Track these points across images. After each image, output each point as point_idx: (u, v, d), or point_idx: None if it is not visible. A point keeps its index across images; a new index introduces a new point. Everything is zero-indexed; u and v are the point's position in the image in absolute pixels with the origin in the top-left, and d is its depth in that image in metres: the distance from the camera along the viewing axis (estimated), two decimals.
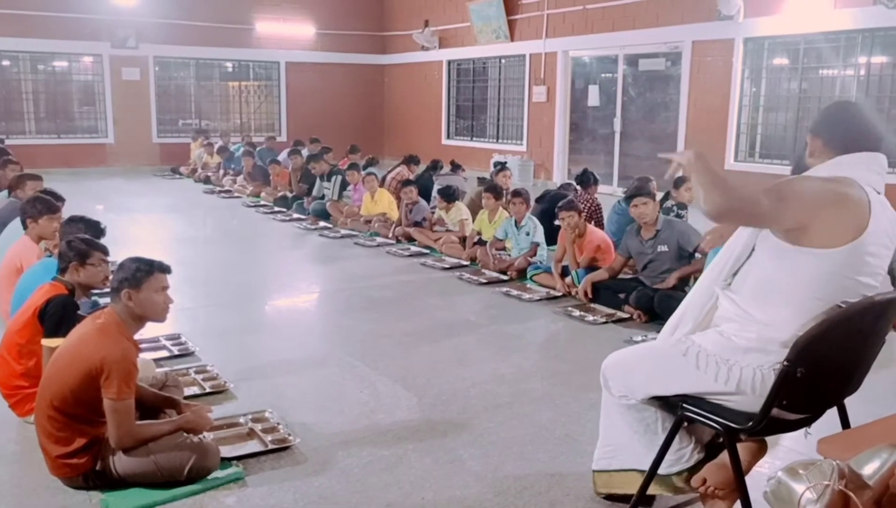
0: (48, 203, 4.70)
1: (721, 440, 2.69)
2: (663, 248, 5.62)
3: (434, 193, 9.35)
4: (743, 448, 2.51)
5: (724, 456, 2.60)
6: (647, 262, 5.74)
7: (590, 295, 5.93)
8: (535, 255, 6.98)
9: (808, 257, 2.27)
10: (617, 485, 2.86)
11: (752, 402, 2.35)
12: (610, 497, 2.93)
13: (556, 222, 7.48)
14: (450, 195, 8.43)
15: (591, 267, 6.23)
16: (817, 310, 2.30)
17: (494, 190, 7.71)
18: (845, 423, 2.57)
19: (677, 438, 2.61)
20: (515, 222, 7.16)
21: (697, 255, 5.47)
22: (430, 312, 5.94)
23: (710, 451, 2.71)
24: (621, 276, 6.07)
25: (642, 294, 5.55)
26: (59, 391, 2.93)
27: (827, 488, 1.64)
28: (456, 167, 10.95)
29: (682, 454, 2.66)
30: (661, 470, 2.65)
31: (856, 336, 2.36)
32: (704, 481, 2.57)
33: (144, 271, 3.06)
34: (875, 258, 2.31)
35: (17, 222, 4.92)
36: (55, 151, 15.41)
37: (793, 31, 10.18)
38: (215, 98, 17.56)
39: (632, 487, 2.78)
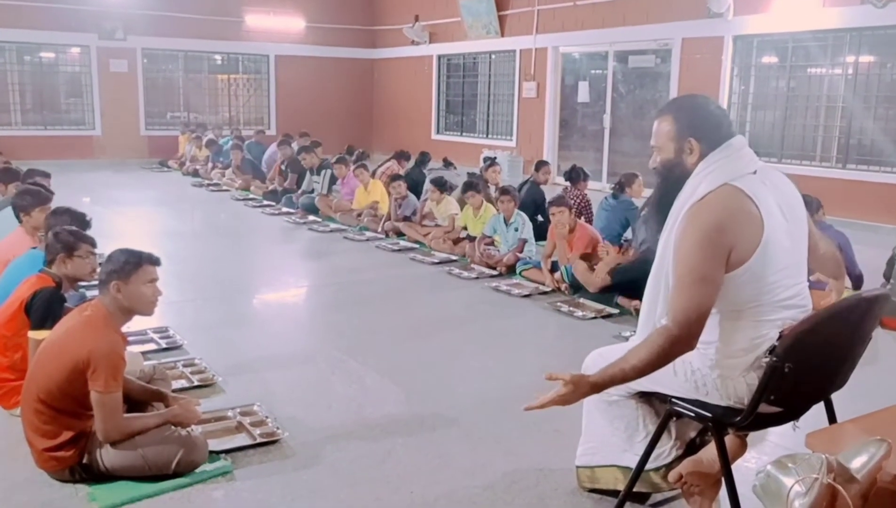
0: (38, 194, 4.66)
1: (701, 438, 2.71)
2: None
3: (427, 184, 9.34)
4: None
5: (701, 453, 2.62)
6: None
7: (562, 281, 6.03)
8: (521, 251, 7.00)
9: (734, 276, 2.27)
10: (600, 481, 2.88)
11: (733, 405, 2.37)
12: (595, 491, 2.95)
13: (539, 218, 7.53)
14: (442, 184, 8.45)
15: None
16: (763, 314, 2.31)
17: (473, 186, 7.78)
18: (832, 418, 2.59)
19: (655, 435, 2.61)
20: (504, 218, 7.17)
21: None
22: (419, 307, 5.93)
23: (688, 448, 2.73)
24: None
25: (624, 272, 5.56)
26: (46, 385, 2.91)
27: (815, 481, 1.65)
28: (448, 164, 10.95)
29: (662, 451, 2.67)
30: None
31: (843, 332, 2.37)
32: (681, 476, 2.58)
33: (133, 263, 3.04)
34: (783, 241, 2.31)
35: (7, 212, 4.87)
36: (42, 142, 15.28)
37: (781, 30, 10.22)
38: (204, 91, 17.46)
39: (613, 482, 2.80)
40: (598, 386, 2.35)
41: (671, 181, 2.44)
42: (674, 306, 2.26)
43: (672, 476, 2.60)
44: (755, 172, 2.36)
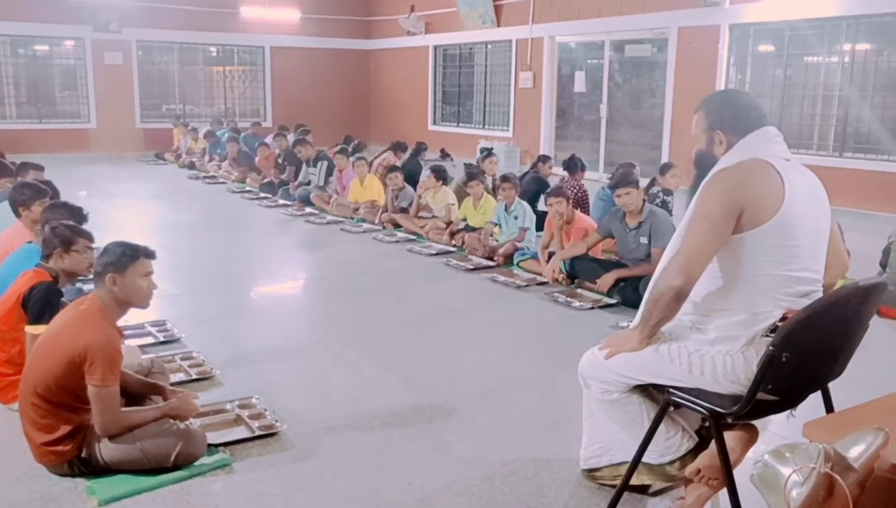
0: (36, 188, 4.65)
1: (708, 429, 2.70)
2: (643, 240, 5.64)
3: (426, 172, 9.32)
4: (733, 437, 2.52)
5: (715, 446, 2.61)
6: (628, 250, 5.76)
7: (558, 273, 6.09)
8: (522, 240, 6.99)
9: (744, 239, 2.35)
10: (608, 480, 2.88)
11: (730, 387, 2.38)
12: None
13: (540, 208, 7.54)
14: (441, 172, 8.45)
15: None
16: (770, 286, 2.36)
17: (475, 176, 7.85)
18: (829, 407, 2.59)
19: (664, 428, 2.62)
20: (505, 206, 7.16)
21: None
22: (417, 298, 5.94)
23: (701, 439, 2.73)
24: (607, 257, 6.15)
25: (626, 287, 5.56)
26: (43, 379, 2.91)
27: (813, 470, 1.65)
28: (445, 155, 10.95)
29: (672, 443, 2.67)
30: (654, 461, 2.67)
31: (841, 321, 2.37)
32: (699, 471, 2.58)
33: (129, 256, 3.03)
34: (803, 219, 2.38)
35: (4, 207, 4.86)
36: (37, 136, 15.25)
37: (778, 18, 10.20)
38: (199, 83, 17.42)
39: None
40: (641, 333, 2.52)
41: (704, 170, 2.57)
42: (681, 245, 2.38)
43: (690, 470, 2.60)
44: (788, 160, 2.47)
